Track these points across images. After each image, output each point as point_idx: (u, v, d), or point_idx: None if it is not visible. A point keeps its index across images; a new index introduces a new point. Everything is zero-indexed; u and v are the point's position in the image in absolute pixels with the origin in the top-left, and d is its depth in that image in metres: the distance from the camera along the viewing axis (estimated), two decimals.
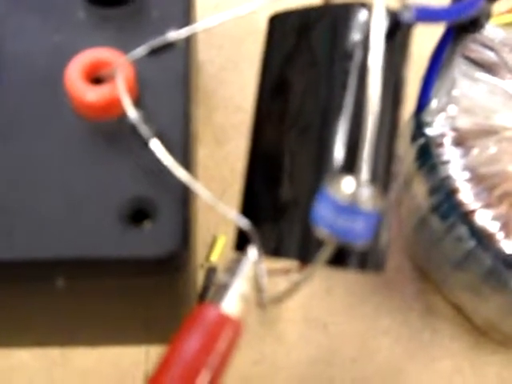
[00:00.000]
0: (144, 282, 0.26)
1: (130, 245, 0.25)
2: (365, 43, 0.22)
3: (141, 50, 0.26)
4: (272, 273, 0.25)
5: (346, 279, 0.36)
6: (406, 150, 0.34)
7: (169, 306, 0.28)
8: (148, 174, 0.26)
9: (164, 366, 0.22)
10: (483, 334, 0.35)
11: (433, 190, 0.33)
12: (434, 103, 0.33)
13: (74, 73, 0.26)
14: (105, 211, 0.25)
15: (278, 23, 0.26)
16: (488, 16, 0.29)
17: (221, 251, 0.36)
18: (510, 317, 0.32)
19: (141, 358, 0.34)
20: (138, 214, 0.25)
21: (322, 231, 0.21)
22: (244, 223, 0.24)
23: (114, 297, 0.28)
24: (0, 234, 0.25)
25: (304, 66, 0.25)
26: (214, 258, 0.36)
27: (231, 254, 0.25)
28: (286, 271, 0.24)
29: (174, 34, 0.25)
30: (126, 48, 0.27)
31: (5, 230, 0.25)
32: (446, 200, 0.32)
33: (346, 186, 0.21)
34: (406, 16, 0.22)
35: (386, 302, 0.35)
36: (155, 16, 0.30)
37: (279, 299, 0.24)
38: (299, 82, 0.25)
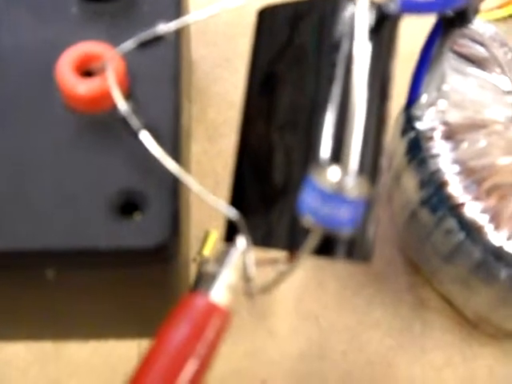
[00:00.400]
0: (134, 274, 0.26)
1: (120, 236, 0.25)
2: (351, 36, 0.23)
3: (130, 43, 0.26)
4: (261, 263, 0.25)
5: (338, 272, 0.36)
6: (396, 144, 0.35)
7: (159, 298, 0.28)
8: (138, 166, 0.26)
9: (151, 355, 0.22)
10: (474, 327, 0.35)
11: (423, 184, 0.33)
12: (424, 98, 0.34)
13: (65, 66, 0.27)
14: (95, 202, 0.25)
15: (267, 17, 0.27)
16: (476, 10, 0.29)
17: (213, 245, 0.36)
18: (500, 309, 0.33)
19: (133, 352, 0.34)
20: (128, 206, 0.26)
21: (307, 219, 0.21)
22: (232, 213, 0.25)
23: (104, 289, 0.28)
24: None
25: (292, 60, 0.25)
26: (207, 252, 0.36)
27: (221, 245, 0.25)
28: (275, 261, 0.25)
29: (163, 27, 0.25)
30: (117, 42, 0.27)
31: None
32: (435, 193, 0.33)
33: (332, 174, 0.21)
34: (392, 8, 0.22)
35: (377, 294, 0.36)
36: (146, 10, 0.30)
37: (267, 289, 0.24)
38: (287, 76, 0.25)
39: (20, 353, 0.34)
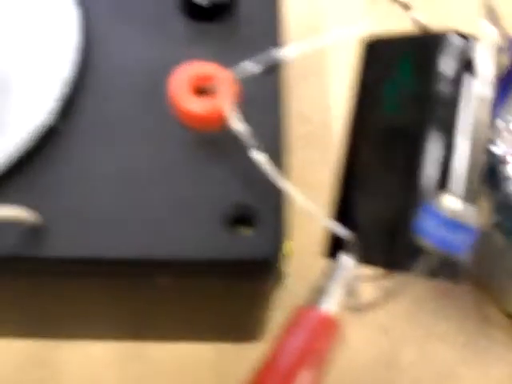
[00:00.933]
0: (237, 284, 0.28)
1: (232, 248, 0.27)
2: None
3: (249, 67, 0.27)
4: (362, 279, 0.26)
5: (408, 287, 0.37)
6: None
7: (253, 309, 0.30)
8: (250, 182, 0.28)
9: (268, 363, 0.24)
10: None
11: (497, 207, 0.34)
12: (499, 122, 0.35)
13: (180, 84, 0.28)
14: (209, 215, 0.27)
15: (375, 51, 0.28)
16: None
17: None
18: None
19: (211, 355, 0.36)
20: (240, 219, 0.27)
21: (425, 242, 0.23)
22: (344, 233, 0.26)
23: (205, 295, 0.30)
24: (111, 234, 0.27)
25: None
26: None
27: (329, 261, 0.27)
28: (375, 278, 0.26)
29: (281, 53, 0.27)
30: (223, 62, 0.28)
31: (115, 231, 0.26)
32: (509, 216, 0.34)
33: (451, 202, 0.23)
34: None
35: (443, 309, 0.37)
36: (249, 33, 0.31)
37: (374, 304, 0.26)
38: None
39: (102, 351, 0.35)
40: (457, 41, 0.25)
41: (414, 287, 0.37)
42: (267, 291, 0.29)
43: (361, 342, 0.36)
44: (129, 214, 0.27)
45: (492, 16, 0.24)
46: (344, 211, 0.28)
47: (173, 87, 0.29)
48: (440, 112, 0.25)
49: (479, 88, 0.23)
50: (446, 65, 0.25)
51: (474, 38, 0.25)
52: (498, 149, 0.35)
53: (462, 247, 0.23)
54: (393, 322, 0.37)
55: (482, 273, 0.38)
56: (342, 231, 0.26)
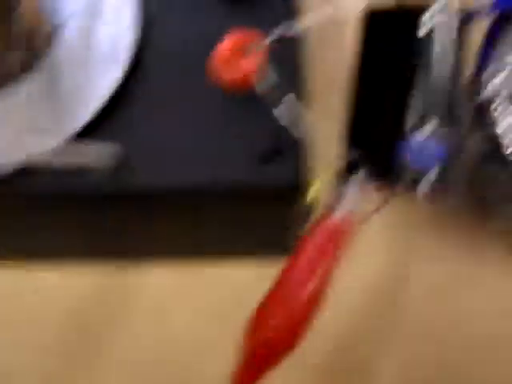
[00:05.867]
0: (268, 207, 0.36)
1: (261, 177, 0.35)
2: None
3: (275, 35, 0.35)
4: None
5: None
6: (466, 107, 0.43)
7: (283, 227, 0.37)
8: (275, 127, 0.36)
9: (287, 267, 0.32)
10: None
11: (487, 139, 0.42)
12: (490, 68, 0.42)
13: (226, 48, 0.36)
14: (244, 151, 0.35)
15: (376, 21, 0.36)
16: None
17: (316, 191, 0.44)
18: None
19: (252, 276, 0.43)
20: (268, 155, 0.36)
21: (407, 160, 0.31)
22: (354, 153, 0.34)
23: (249, 216, 0.38)
24: (162, 165, 0.35)
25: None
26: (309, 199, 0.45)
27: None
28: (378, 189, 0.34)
29: (299, 25, 0.35)
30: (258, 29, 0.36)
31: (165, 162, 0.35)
32: (496, 147, 0.41)
33: (426, 129, 0.31)
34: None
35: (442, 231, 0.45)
36: (270, 10, 0.39)
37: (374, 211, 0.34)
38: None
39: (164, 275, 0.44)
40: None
41: (415, 213, 0.44)
42: (293, 212, 0.37)
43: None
44: (190, 150, 0.36)
45: None
46: (354, 134, 0.36)
47: (215, 57, 0.37)
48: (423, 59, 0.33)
49: (445, 23, 0.31)
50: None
51: None
52: (487, 90, 0.42)
53: (435, 163, 0.31)
54: (396, 244, 0.44)
55: (475, 196, 0.45)
56: (353, 152, 0.34)
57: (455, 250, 0.44)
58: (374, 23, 0.35)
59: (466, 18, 0.31)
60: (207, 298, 0.43)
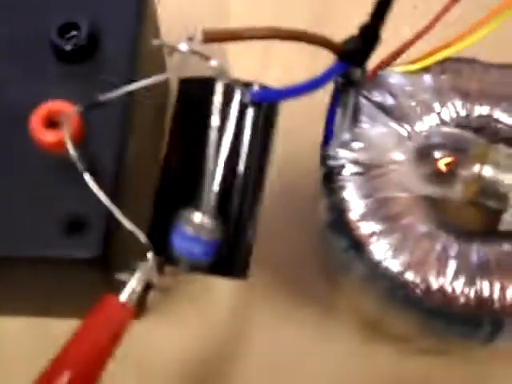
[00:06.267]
0: (76, 275, 0.36)
1: (67, 248, 0.35)
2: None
3: (80, 105, 0.35)
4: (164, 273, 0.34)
5: (267, 276, 0.45)
6: (316, 174, 0.43)
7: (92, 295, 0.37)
8: (85, 196, 0.35)
9: (70, 341, 0.32)
10: (374, 328, 0.43)
11: (329, 209, 0.41)
12: (335, 140, 0.41)
13: (36, 118, 0.36)
14: (49, 221, 0.35)
15: (183, 88, 0.35)
16: (360, 80, 0.37)
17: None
18: (384, 316, 0.41)
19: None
20: (74, 226, 0.35)
21: (175, 252, 0.30)
22: (143, 238, 0.34)
23: (52, 284, 0.38)
24: None
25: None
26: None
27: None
28: (173, 274, 0.34)
29: (103, 97, 0.35)
30: (83, 98, 0.36)
31: None
32: (338, 217, 0.41)
33: (194, 219, 0.30)
34: (245, 97, 0.30)
35: (298, 296, 0.44)
36: (107, 72, 0.39)
37: (162, 294, 0.33)
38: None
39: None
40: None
41: (266, 276, 0.44)
42: (102, 282, 0.37)
43: (221, 321, 0.43)
44: None
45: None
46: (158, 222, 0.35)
47: (32, 120, 0.37)
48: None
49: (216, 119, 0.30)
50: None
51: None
52: (334, 161, 0.41)
53: (201, 255, 0.30)
54: (251, 305, 0.44)
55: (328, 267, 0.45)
56: (142, 237, 0.33)
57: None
58: (184, 91, 0.35)
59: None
60: None
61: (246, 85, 0.31)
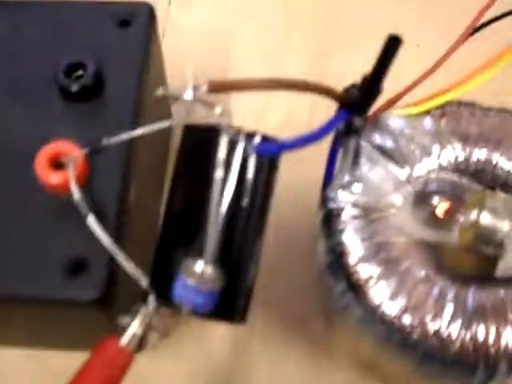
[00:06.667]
0: (79, 315, 0.37)
1: (68, 289, 0.35)
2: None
3: (85, 149, 0.36)
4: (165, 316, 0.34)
5: (267, 314, 0.45)
6: (316, 215, 0.43)
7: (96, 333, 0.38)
8: (87, 239, 0.36)
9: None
10: (371, 369, 0.44)
11: (328, 251, 0.41)
12: (336, 182, 0.42)
13: (41, 159, 0.37)
14: (52, 263, 0.36)
15: (188, 134, 0.36)
16: (359, 127, 0.37)
17: None
18: (381, 358, 0.41)
19: None
20: (76, 267, 0.36)
21: (177, 301, 0.31)
22: (144, 281, 0.34)
23: (56, 322, 0.38)
24: None
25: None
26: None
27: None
28: (174, 315, 0.34)
29: (107, 141, 0.35)
30: (87, 139, 0.36)
31: None
32: (336, 260, 0.41)
33: (195, 269, 0.30)
34: (250, 148, 0.31)
35: (296, 335, 0.45)
36: (112, 112, 0.40)
37: (165, 334, 0.34)
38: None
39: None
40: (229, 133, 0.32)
41: (266, 314, 0.44)
42: (106, 321, 0.37)
43: (222, 357, 0.44)
44: None
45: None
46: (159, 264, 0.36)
47: (37, 161, 0.37)
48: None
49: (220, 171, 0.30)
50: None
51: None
52: (333, 203, 0.42)
53: (201, 305, 0.30)
54: (251, 342, 0.44)
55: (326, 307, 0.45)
56: (143, 281, 0.34)
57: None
58: (188, 137, 0.35)
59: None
60: None
61: (250, 135, 0.32)
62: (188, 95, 0.33)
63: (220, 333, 0.45)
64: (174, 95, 0.33)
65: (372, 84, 0.33)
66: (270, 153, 0.31)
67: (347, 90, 0.36)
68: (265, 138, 0.32)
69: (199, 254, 0.31)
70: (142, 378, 0.44)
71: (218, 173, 0.30)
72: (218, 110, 0.34)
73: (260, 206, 0.34)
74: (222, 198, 0.30)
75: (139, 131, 0.35)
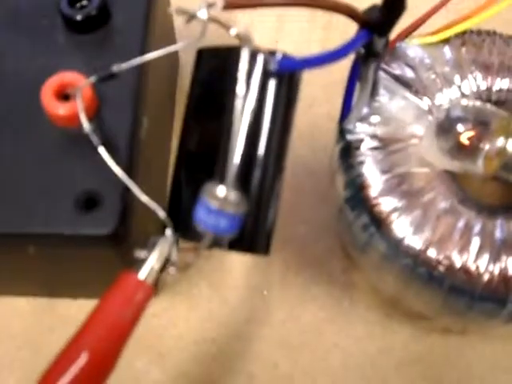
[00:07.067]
0: (92, 253, 0.35)
1: (81, 225, 0.33)
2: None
3: (92, 77, 0.34)
4: (183, 250, 0.33)
5: (283, 255, 0.43)
6: (333, 150, 0.42)
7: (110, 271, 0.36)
8: (99, 171, 0.34)
9: (88, 321, 0.31)
10: (393, 306, 0.42)
11: (347, 185, 0.40)
12: (354, 113, 0.40)
13: (48, 90, 0.35)
14: (64, 198, 0.34)
15: (203, 58, 0.34)
16: (380, 51, 0.35)
17: None
18: (405, 294, 0.40)
19: None
20: (89, 202, 0.34)
21: (199, 227, 0.29)
22: (162, 214, 0.32)
23: (71, 262, 0.37)
24: None
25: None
26: None
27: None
28: (194, 249, 0.32)
29: (117, 67, 0.33)
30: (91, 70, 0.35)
31: None
32: (356, 193, 0.39)
33: (218, 193, 0.29)
34: (272, 67, 0.29)
35: (315, 275, 0.43)
36: (119, 41, 0.38)
37: (184, 269, 0.32)
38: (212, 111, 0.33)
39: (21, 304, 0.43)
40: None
41: (288, 255, 0.43)
42: (119, 258, 0.35)
43: (237, 300, 0.42)
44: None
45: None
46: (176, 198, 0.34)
47: (43, 93, 0.35)
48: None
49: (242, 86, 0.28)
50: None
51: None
52: (352, 136, 0.40)
53: (226, 231, 0.29)
54: (268, 284, 0.43)
55: (343, 242, 0.43)
56: (160, 213, 0.32)
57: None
58: (204, 61, 0.33)
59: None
60: None
61: (270, 53, 0.30)
62: (203, 13, 0.31)
63: (236, 275, 0.43)
64: (188, 13, 0.31)
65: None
66: (294, 67, 0.29)
67: (369, 10, 0.34)
68: (285, 56, 0.30)
69: (221, 181, 0.30)
70: (157, 321, 0.42)
71: (240, 88, 0.28)
72: (233, 30, 0.32)
73: (281, 134, 0.32)
74: (243, 116, 0.28)
75: (151, 55, 0.33)
